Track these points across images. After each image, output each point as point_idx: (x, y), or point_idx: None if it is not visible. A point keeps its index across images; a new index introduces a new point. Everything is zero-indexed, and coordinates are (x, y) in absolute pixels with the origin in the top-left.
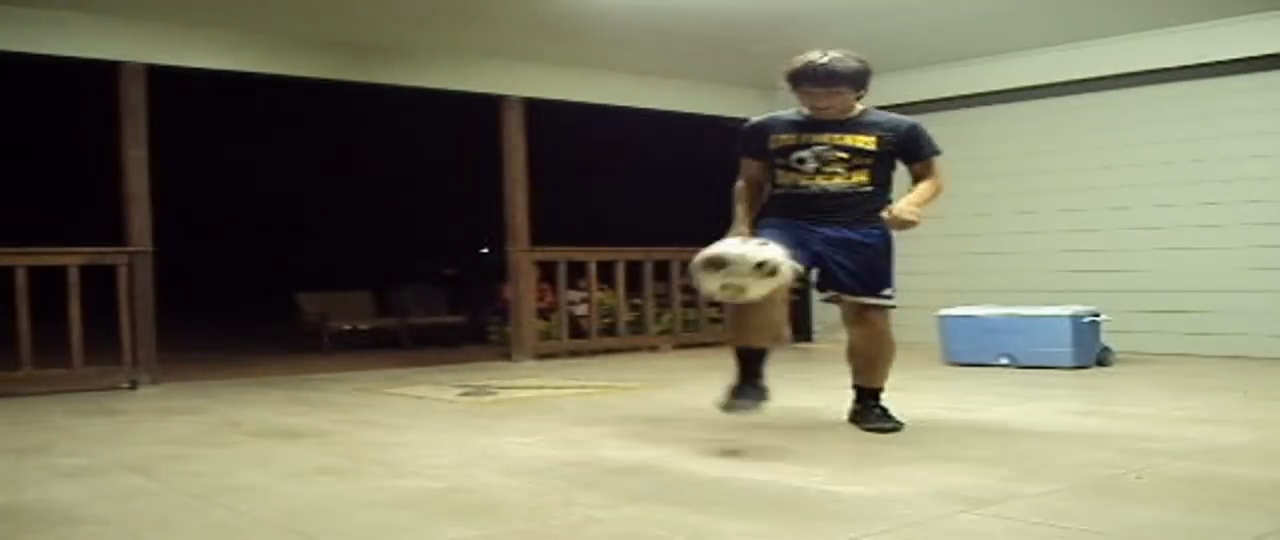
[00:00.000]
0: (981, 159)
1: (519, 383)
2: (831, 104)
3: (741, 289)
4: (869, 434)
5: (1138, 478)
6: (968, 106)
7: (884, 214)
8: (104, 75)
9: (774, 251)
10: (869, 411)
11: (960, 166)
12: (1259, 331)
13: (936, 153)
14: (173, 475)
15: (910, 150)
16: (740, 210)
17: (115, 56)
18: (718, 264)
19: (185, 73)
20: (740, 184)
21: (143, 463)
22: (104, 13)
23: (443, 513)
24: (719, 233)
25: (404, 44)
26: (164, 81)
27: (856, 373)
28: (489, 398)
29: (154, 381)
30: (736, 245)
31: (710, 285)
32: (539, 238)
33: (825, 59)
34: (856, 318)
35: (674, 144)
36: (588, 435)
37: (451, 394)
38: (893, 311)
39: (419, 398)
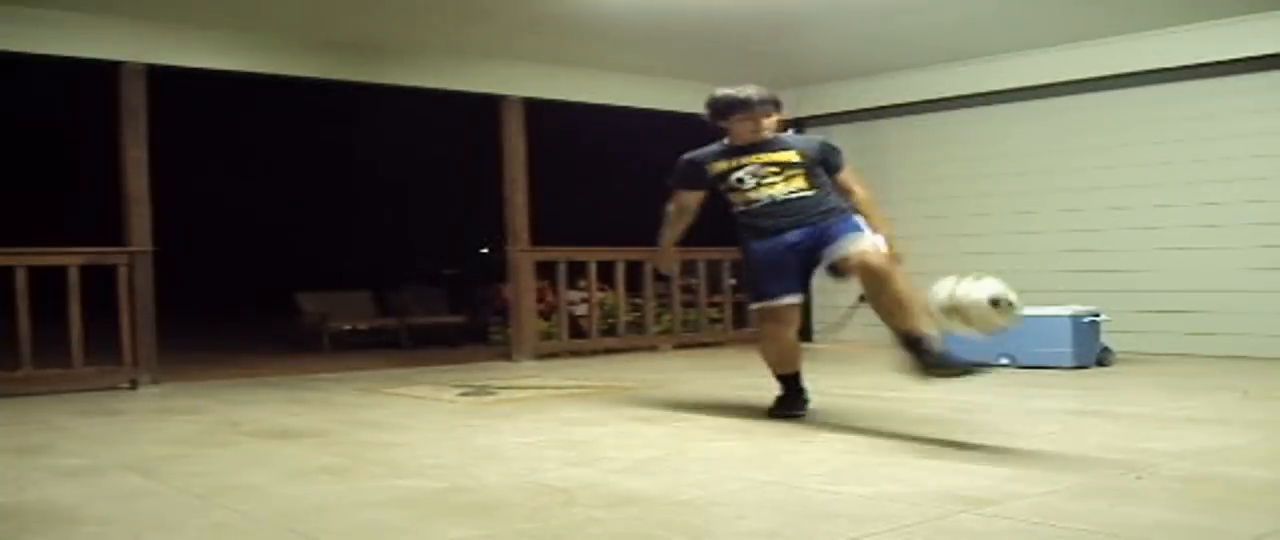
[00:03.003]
0: (981, 159)
1: (519, 383)
2: (760, 127)
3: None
4: (948, 377)
5: (1138, 478)
6: (968, 106)
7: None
8: (104, 75)
9: (996, 287)
10: (920, 355)
11: (960, 166)
12: (1259, 331)
13: (846, 162)
14: (173, 475)
15: (828, 162)
16: (668, 231)
17: (115, 56)
18: (955, 312)
19: (185, 73)
20: (671, 207)
21: (143, 463)
22: (104, 13)
23: (443, 513)
24: (719, 233)
25: (404, 44)
26: (164, 81)
27: (887, 319)
28: (489, 398)
29: (154, 381)
30: (966, 291)
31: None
32: (539, 238)
33: (749, 90)
34: (860, 266)
35: (674, 144)
36: (588, 435)
37: (451, 394)
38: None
39: (419, 398)
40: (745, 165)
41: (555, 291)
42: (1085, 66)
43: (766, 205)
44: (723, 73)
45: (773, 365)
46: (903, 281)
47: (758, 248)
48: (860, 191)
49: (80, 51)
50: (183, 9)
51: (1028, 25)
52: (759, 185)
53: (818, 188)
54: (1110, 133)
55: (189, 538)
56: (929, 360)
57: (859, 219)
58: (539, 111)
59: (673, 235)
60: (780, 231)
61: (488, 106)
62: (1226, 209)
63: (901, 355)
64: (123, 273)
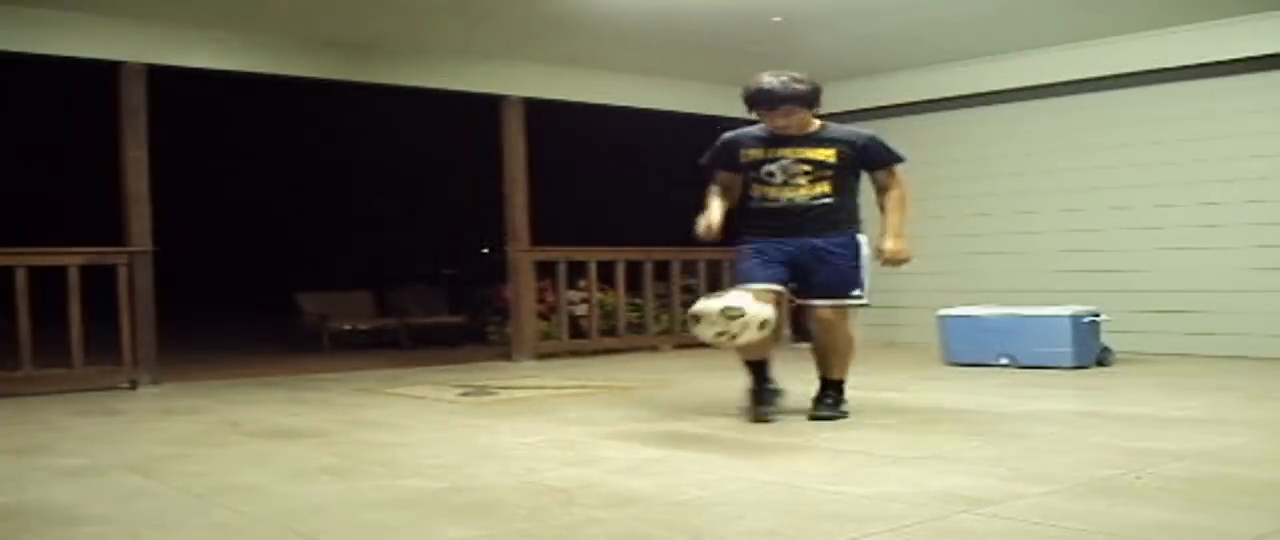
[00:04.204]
0: (981, 159)
1: (519, 383)
2: (789, 123)
3: (732, 335)
4: (822, 421)
5: (1138, 478)
6: (968, 106)
7: (877, 256)
8: (104, 75)
9: (738, 297)
10: (820, 400)
11: (960, 166)
12: (1259, 331)
13: (898, 160)
14: (173, 475)
15: (870, 160)
16: (714, 201)
17: (115, 56)
18: (696, 319)
19: (185, 73)
20: (715, 187)
21: (143, 463)
22: (104, 13)
23: (443, 513)
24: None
25: (404, 44)
26: (164, 81)
27: (818, 366)
28: (489, 398)
29: (154, 381)
30: (705, 303)
31: (706, 335)
32: (539, 238)
33: (776, 84)
34: (818, 318)
35: (674, 144)
36: (587, 435)
37: (451, 394)
38: (860, 311)
39: (419, 398)
40: (779, 159)
41: (556, 292)
42: (1085, 66)
43: (783, 207)
44: (723, 73)
45: (741, 350)
46: (847, 346)
47: (754, 239)
48: (896, 192)
49: (80, 51)
50: (183, 9)
51: (1028, 25)
52: (785, 184)
53: (840, 193)
54: (1110, 133)
55: (189, 538)
56: (822, 406)
57: (861, 239)
58: (539, 111)
59: (717, 205)
60: (782, 233)
61: (488, 106)
62: (1226, 209)
63: (821, 394)
64: (123, 273)
